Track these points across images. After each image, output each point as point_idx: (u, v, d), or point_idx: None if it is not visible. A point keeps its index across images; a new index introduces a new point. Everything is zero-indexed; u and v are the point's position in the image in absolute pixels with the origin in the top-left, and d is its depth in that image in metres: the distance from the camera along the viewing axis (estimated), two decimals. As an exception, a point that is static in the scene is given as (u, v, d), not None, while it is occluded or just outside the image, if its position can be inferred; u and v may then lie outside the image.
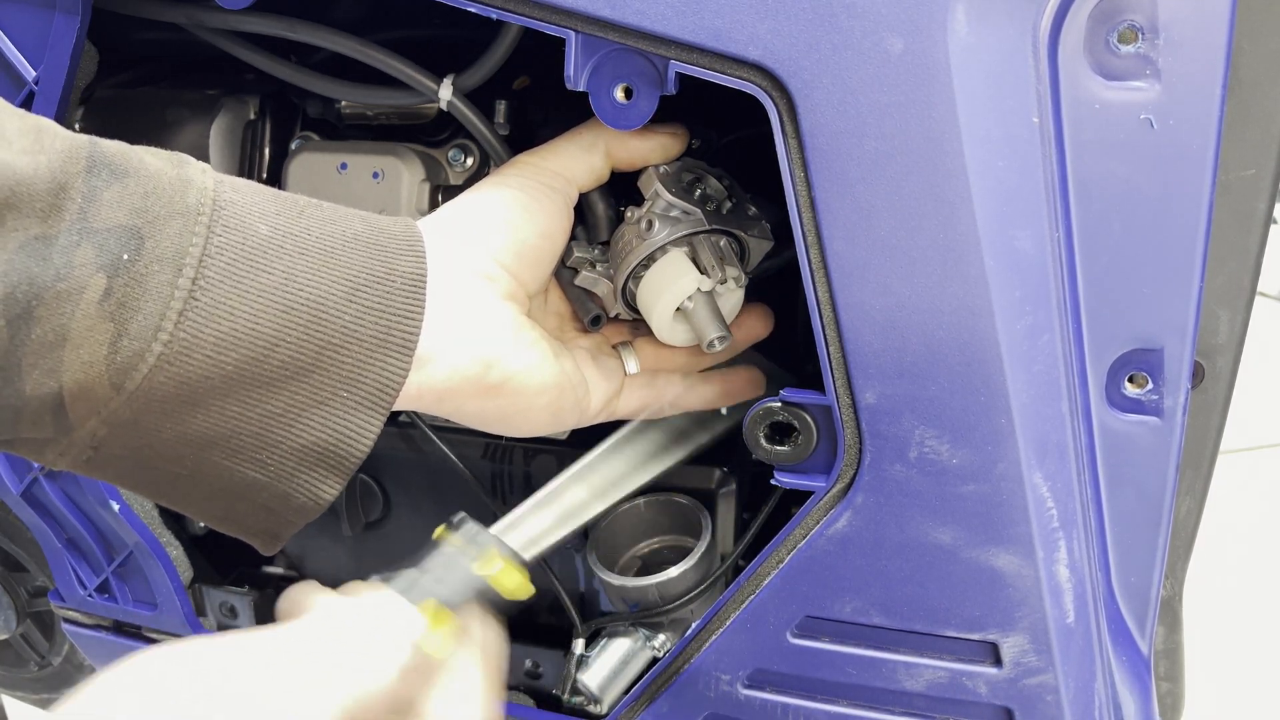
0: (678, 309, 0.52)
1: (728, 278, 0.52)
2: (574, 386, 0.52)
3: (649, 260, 0.52)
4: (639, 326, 0.57)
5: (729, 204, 0.54)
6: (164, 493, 0.44)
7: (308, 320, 0.41)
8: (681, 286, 0.51)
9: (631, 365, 0.56)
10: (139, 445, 0.40)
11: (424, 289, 0.44)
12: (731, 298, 0.54)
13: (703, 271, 0.51)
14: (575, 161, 0.52)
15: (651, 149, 0.52)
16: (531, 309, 0.53)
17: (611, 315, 0.56)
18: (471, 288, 0.48)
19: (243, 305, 0.40)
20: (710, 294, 0.52)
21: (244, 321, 0.40)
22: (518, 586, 0.46)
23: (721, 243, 0.52)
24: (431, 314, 0.45)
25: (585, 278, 0.55)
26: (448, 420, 0.50)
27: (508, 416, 0.50)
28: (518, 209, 0.50)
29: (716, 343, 0.51)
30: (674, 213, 0.51)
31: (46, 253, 0.37)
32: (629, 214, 0.53)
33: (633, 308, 0.54)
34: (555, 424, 0.52)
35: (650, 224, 0.51)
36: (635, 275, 0.52)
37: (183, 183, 0.40)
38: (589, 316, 0.56)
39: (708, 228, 0.51)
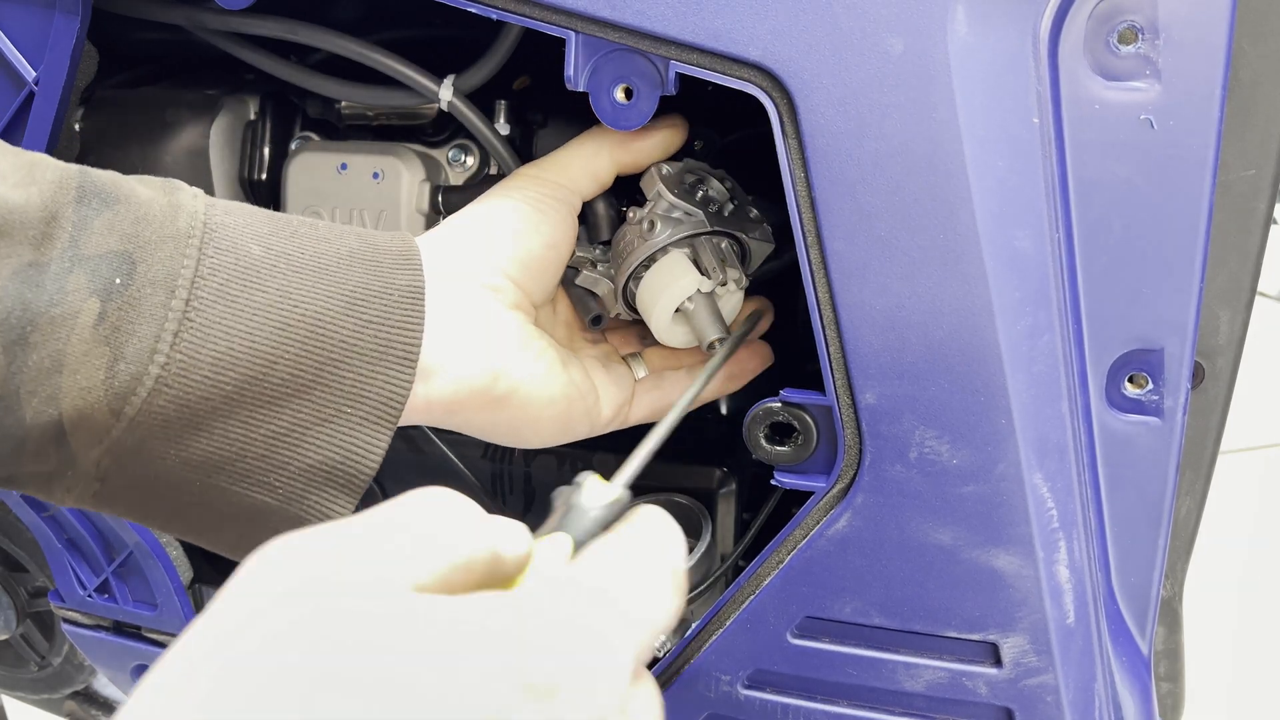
0: (678, 310, 0.52)
1: (728, 279, 0.52)
2: (583, 396, 0.52)
3: (650, 261, 0.52)
4: (647, 335, 0.57)
5: (730, 205, 0.54)
6: (176, 524, 0.43)
7: (305, 335, 0.41)
8: (682, 287, 0.51)
9: (640, 371, 0.56)
10: (145, 475, 0.40)
11: (422, 301, 0.44)
12: (732, 299, 0.54)
13: (703, 273, 0.51)
14: (579, 171, 0.52)
15: (654, 146, 0.52)
16: (540, 319, 0.53)
17: (611, 315, 0.56)
18: (475, 299, 0.48)
19: (238, 323, 0.40)
20: (710, 295, 0.52)
21: (240, 339, 0.40)
22: (612, 494, 0.42)
23: (723, 244, 0.52)
24: (434, 326, 0.45)
25: (586, 277, 0.55)
26: None
27: (517, 428, 0.50)
28: (522, 220, 0.50)
29: (716, 344, 0.51)
30: (676, 214, 0.51)
31: (40, 279, 0.37)
32: (631, 214, 0.53)
33: (633, 308, 0.54)
34: (565, 434, 0.52)
35: (652, 225, 0.51)
36: (636, 276, 0.52)
37: (173, 208, 0.40)
38: (589, 316, 0.56)
39: (709, 229, 0.51)
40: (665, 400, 0.55)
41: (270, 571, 0.27)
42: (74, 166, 0.40)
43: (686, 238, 0.51)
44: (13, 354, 0.37)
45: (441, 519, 0.29)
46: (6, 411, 0.38)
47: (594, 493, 0.35)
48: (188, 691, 0.24)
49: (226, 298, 0.40)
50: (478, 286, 0.48)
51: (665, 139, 0.52)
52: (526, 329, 0.50)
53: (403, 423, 0.44)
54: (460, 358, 0.46)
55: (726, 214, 0.53)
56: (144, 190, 0.41)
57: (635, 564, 0.31)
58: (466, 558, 0.28)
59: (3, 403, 0.38)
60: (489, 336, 0.47)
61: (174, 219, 0.40)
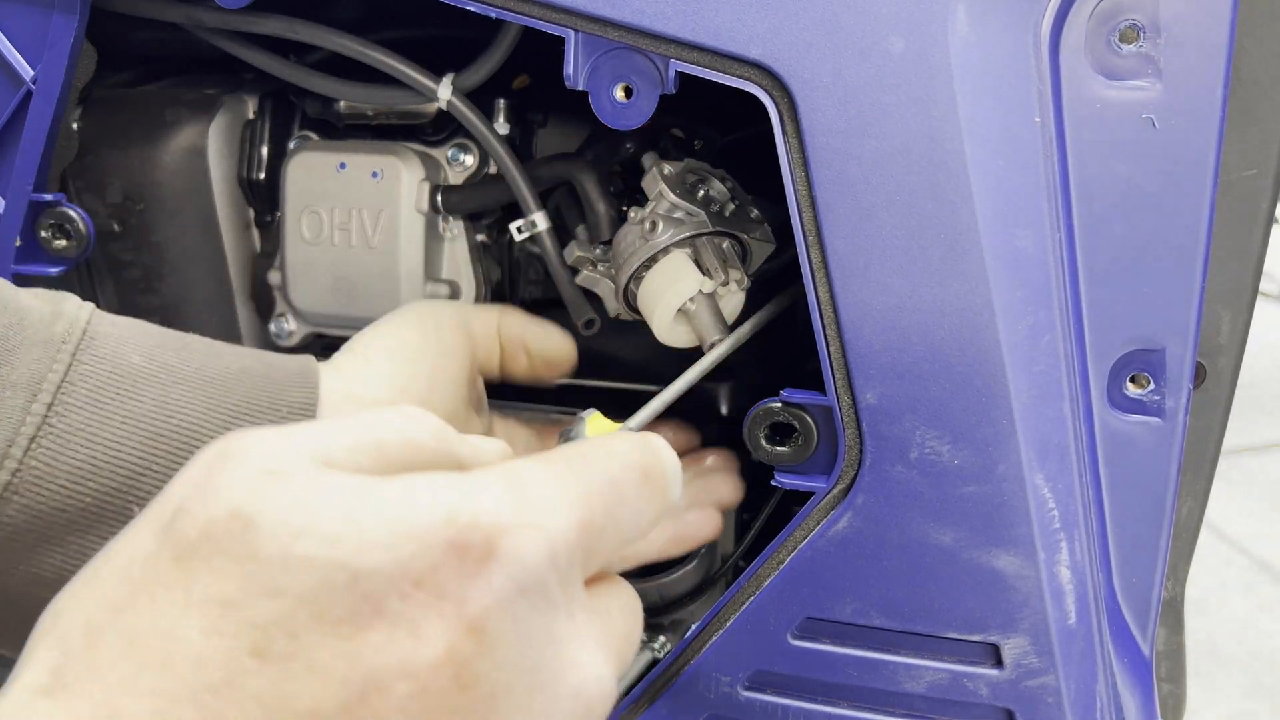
0: (679, 310, 0.52)
1: (730, 280, 0.52)
2: None
3: (651, 261, 0.51)
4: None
5: (732, 206, 0.54)
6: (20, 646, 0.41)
7: (177, 447, 0.38)
8: (683, 287, 0.51)
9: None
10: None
11: (313, 415, 0.42)
12: (733, 300, 0.54)
13: (705, 273, 0.51)
14: (470, 308, 0.54)
15: (543, 339, 0.53)
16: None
17: (612, 316, 0.56)
18: (383, 404, 0.46)
19: (105, 432, 0.37)
20: (712, 296, 0.52)
21: (106, 449, 0.37)
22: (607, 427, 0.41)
23: (724, 245, 0.52)
24: None
25: (586, 277, 0.55)
26: None
27: None
28: (415, 332, 0.50)
29: (717, 345, 0.51)
30: (678, 214, 0.51)
31: None
32: (632, 214, 0.53)
33: (633, 308, 0.54)
34: None
35: (654, 225, 0.51)
36: (637, 276, 0.52)
37: (53, 316, 0.39)
38: (583, 320, 0.55)
39: (711, 230, 0.51)
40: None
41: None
42: None
43: (688, 238, 0.51)
44: None
45: (379, 416, 0.29)
46: None
47: (595, 429, 0.34)
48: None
49: (95, 404, 0.38)
50: (372, 402, 0.46)
51: (559, 344, 0.54)
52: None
53: None
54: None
55: (727, 214, 0.53)
56: (27, 298, 0.39)
57: (564, 466, 0.29)
58: (375, 439, 0.27)
59: None
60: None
61: (50, 325, 0.39)
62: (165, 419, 0.39)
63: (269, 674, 0.23)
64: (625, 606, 0.30)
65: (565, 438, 0.34)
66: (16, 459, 0.36)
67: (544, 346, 0.53)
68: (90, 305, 0.41)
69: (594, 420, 0.34)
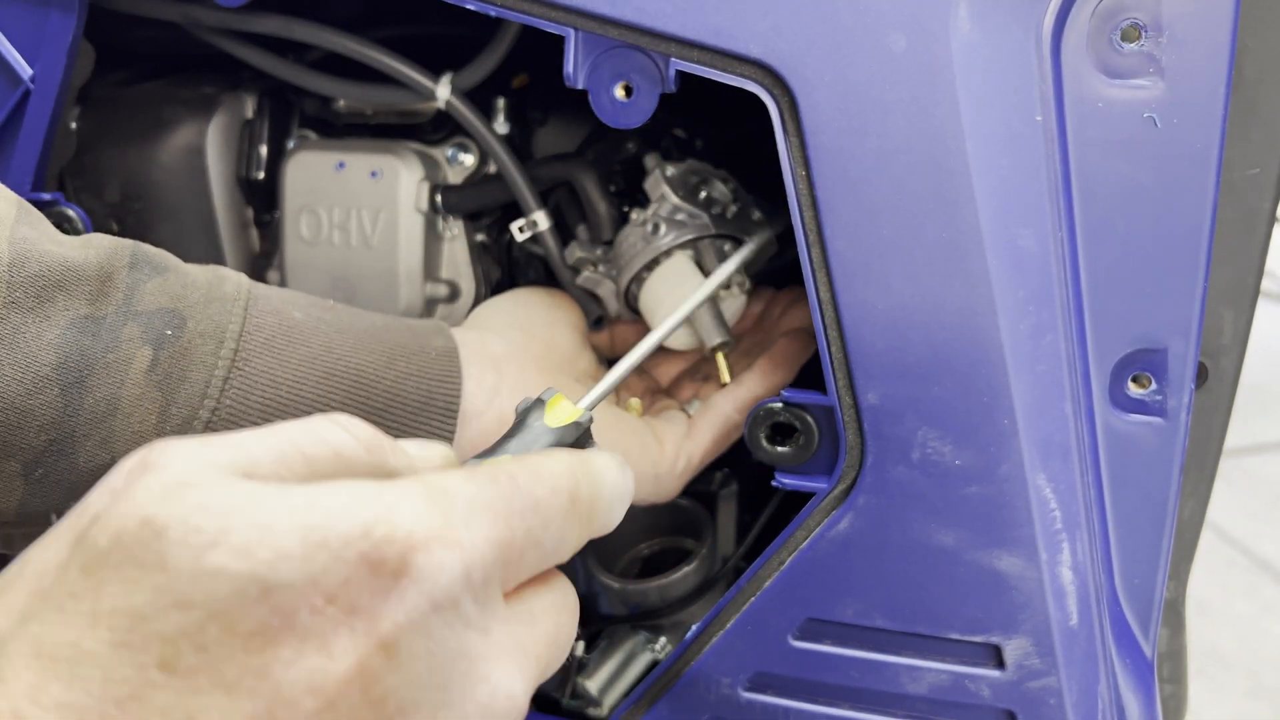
0: None
1: (732, 283, 0.52)
2: (639, 440, 0.52)
3: (653, 264, 0.51)
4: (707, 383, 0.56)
5: (734, 208, 0.53)
6: None
7: (350, 386, 0.42)
8: (685, 291, 0.50)
9: (694, 407, 0.56)
10: None
11: (458, 359, 0.46)
12: (735, 303, 0.53)
13: (706, 276, 0.51)
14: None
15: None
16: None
17: (613, 316, 0.56)
18: (508, 357, 0.50)
19: (285, 373, 0.41)
20: (714, 299, 0.52)
21: (288, 388, 0.41)
22: (569, 414, 0.41)
23: (726, 247, 0.52)
24: (471, 375, 0.46)
25: (587, 278, 0.55)
26: None
27: None
28: (528, 299, 0.54)
29: (720, 348, 0.51)
30: (680, 216, 0.51)
31: (96, 330, 0.39)
32: (634, 215, 0.52)
33: (634, 309, 0.54)
34: None
35: (656, 227, 0.51)
36: (639, 278, 0.52)
37: (219, 278, 0.43)
38: (591, 319, 0.55)
39: (713, 232, 0.51)
40: (719, 414, 0.54)
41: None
42: (127, 240, 0.43)
43: (690, 241, 0.51)
44: (69, 396, 0.38)
45: (306, 425, 0.28)
46: (60, 455, 0.39)
47: (552, 412, 0.33)
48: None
49: (272, 350, 0.42)
50: (509, 346, 0.50)
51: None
52: (562, 384, 0.51)
53: None
54: (497, 405, 0.47)
55: (729, 216, 0.53)
56: (191, 266, 0.44)
57: (488, 482, 0.28)
58: (299, 449, 0.27)
59: (57, 446, 0.39)
60: (524, 388, 0.48)
61: (220, 285, 0.43)
62: (333, 361, 0.43)
63: (176, 688, 0.22)
64: (552, 605, 0.30)
65: (518, 413, 0.34)
66: (214, 398, 0.40)
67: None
68: (244, 275, 0.45)
69: (554, 403, 0.34)
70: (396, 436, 0.42)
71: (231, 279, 0.43)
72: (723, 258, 0.51)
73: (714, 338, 0.51)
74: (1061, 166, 0.45)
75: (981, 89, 0.42)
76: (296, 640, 0.23)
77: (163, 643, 0.22)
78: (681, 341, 0.53)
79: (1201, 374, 0.53)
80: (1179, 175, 0.45)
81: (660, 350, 0.52)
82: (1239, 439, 2.31)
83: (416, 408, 0.44)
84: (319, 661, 0.23)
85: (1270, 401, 2.44)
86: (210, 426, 0.40)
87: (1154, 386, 0.48)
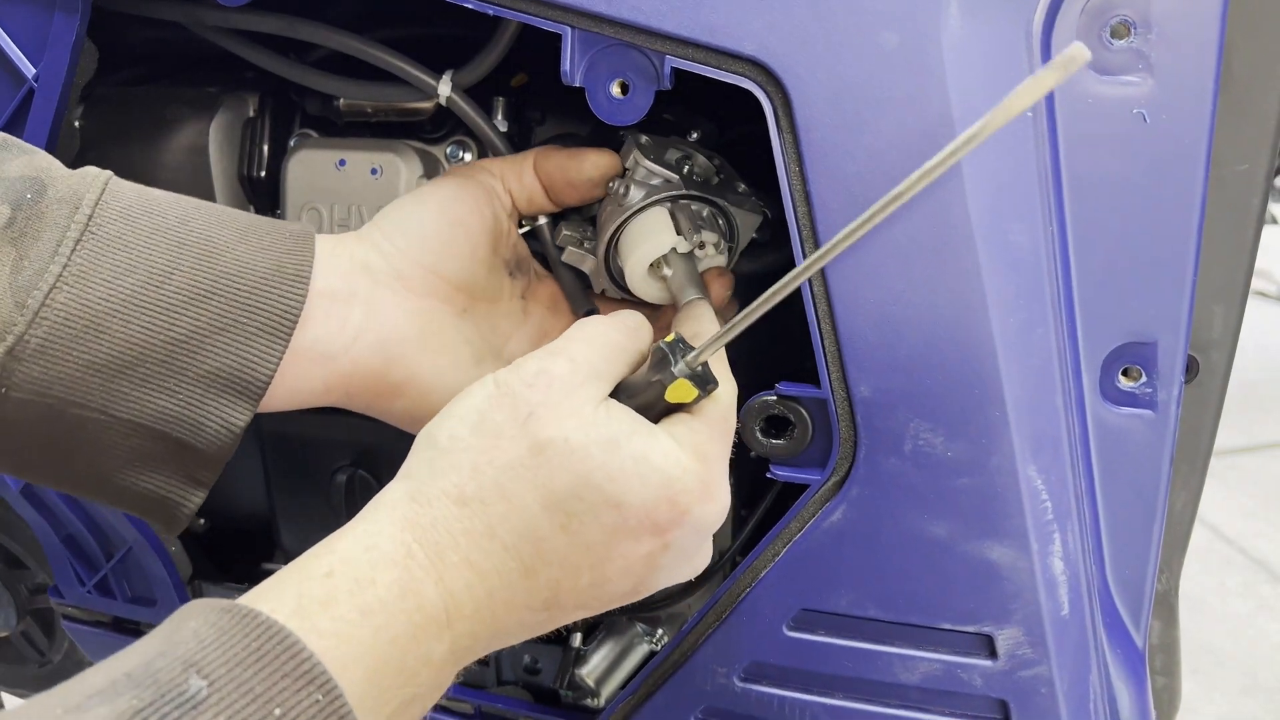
0: (656, 269, 0.52)
1: (706, 243, 0.52)
2: None
3: (627, 223, 0.52)
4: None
5: (716, 179, 0.54)
6: (73, 451, 0.45)
7: (199, 254, 0.44)
8: (658, 242, 0.51)
9: None
10: (48, 380, 0.42)
11: (313, 241, 0.47)
12: (713, 263, 0.53)
13: (680, 234, 0.51)
14: (502, 162, 0.55)
15: (580, 166, 0.54)
16: (480, 313, 0.53)
17: (599, 292, 0.56)
18: (377, 284, 0.49)
19: (137, 239, 0.43)
20: (690, 257, 0.52)
21: (139, 251, 0.43)
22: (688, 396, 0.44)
23: (704, 212, 0.52)
24: (333, 309, 0.47)
25: (572, 254, 0.55)
26: None
27: (419, 418, 0.48)
28: (429, 204, 0.52)
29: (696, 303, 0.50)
30: (654, 180, 0.51)
31: None
32: (610, 185, 0.53)
33: (619, 284, 0.54)
34: None
35: (627, 190, 0.51)
36: (614, 240, 0.52)
37: (81, 170, 0.45)
38: (583, 311, 0.56)
39: (685, 192, 0.51)
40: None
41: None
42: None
43: (661, 199, 0.51)
44: None
45: (604, 332, 0.43)
46: None
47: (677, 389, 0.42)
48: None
49: (127, 218, 0.44)
50: (381, 273, 0.50)
51: (595, 162, 0.54)
52: (436, 320, 0.50)
53: (306, 405, 0.48)
54: (357, 340, 0.48)
55: (712, 184, 0.53)
56: (54, 157, 0.46)
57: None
58: (616, 349, 0.43)
59: None
60: (386, 322, 0.49)
61: (83, 170, 0.45)
62: (186, 232, 0.45)
63: (564, 539, 0.40)
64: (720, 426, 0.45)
65: (655, 353, 0.42)
66: (65, 256, 0.42)
67: (583, 171, 0.55)
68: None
69: (677, 386, 0.42)
70: (245, 304, 0.45)
71: (93, 170, 0.45)
72: (696, 218, 0.51)
73: (687, 294, 0.50)
74: (1052, 162, 0.46)
75: (972, 85, 0.43)
76: (627, 532, 0.41)
77: (566, 514, 0.40)
78: (654, 294, 0.53)
79: (1192, 368, 0.54)
80: (1168, 170, 0.45)
81: (633, 301, 0.54)
82: (1236, 438, 2.31)
83: (266, 274, 0.45)
84: (632, 545, 0.41)
85: (1267, 401, 2.45)
86: (61, 280, 0.41)
87: (1144, 379, 0.48)
